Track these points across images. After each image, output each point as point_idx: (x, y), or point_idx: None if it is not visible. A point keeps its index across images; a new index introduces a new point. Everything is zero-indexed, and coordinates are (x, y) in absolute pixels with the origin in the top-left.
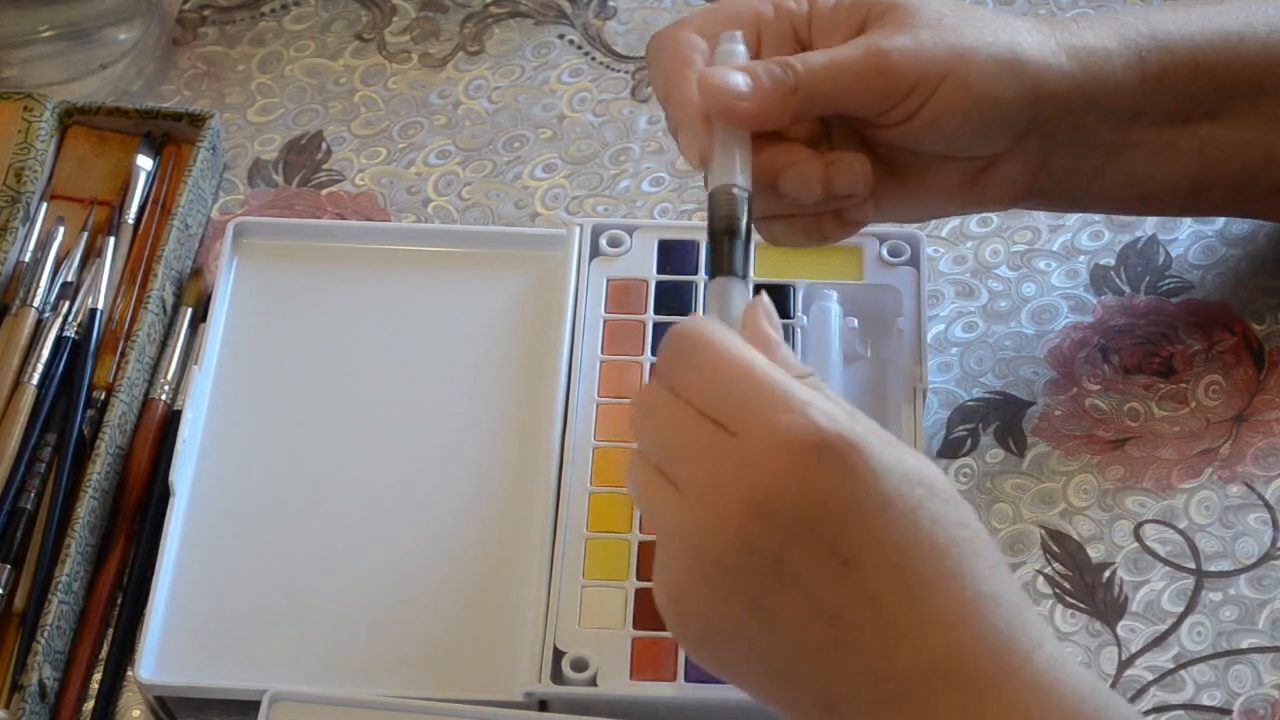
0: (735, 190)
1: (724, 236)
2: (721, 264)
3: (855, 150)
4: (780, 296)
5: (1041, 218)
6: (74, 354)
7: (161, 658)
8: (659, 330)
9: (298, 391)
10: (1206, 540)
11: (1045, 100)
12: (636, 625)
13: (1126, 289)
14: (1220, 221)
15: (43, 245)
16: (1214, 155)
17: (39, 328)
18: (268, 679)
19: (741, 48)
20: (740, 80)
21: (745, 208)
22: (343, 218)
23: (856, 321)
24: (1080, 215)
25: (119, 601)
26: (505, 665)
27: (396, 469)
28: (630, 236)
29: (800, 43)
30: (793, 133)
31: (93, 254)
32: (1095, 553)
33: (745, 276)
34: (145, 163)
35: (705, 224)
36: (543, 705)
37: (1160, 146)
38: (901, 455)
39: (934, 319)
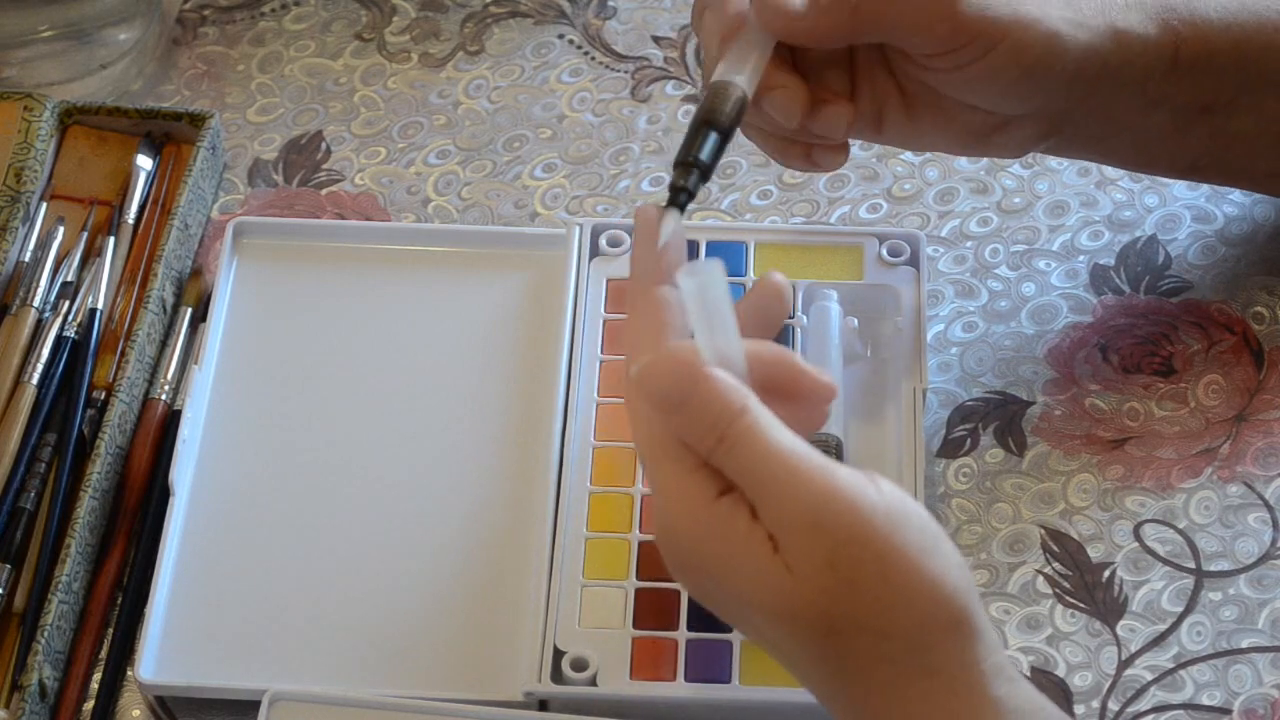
0: (734, 89)
1: (703, 126)
2: (690, 148)
3: (880, 74)
4: None
5: (1041, 217)
6: (74, 354)
7: (161, 658)
8: None
9: (298, 391)
10: (1206, 540)
11: (1079, 81)
12: (636, 625)
13: (1126, 289)
14: (1220, 221)
15: (42, 245)
16: (1223, 140)
17: (39, 327)
18: (268, 679)
19: None
20: None
21: (736, 108)
22: (343, 218)
23: (856, 321)
24: (1080, 215)
25: (119, 601)
26: (505, 665)
27: (396, 469)
28: (630, 236)
29: None
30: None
31: (93, 254)
32: (1095, 552)
33: (708, 170)
34: (145, 163)
35: (707, 223)
36: (543, 705)
37: (1174, 129)
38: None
39: (934, 319)
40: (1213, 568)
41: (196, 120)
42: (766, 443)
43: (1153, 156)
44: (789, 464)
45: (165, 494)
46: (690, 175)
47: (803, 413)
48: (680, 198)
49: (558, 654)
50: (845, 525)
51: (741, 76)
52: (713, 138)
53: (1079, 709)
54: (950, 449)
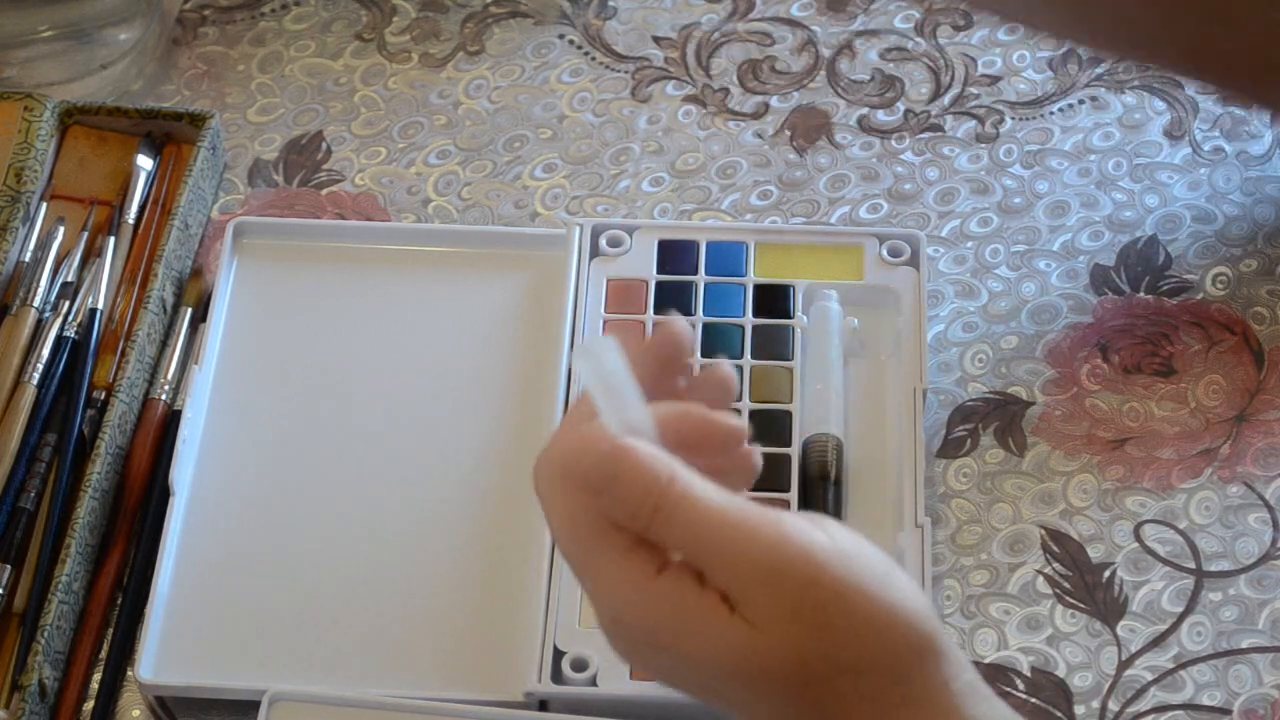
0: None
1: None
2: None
3: None
4: (780, 296)
5: (1041, 217)
6: (74, 354)
7: (161, 658)
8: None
9: (298, 391)
10: (1206, 540)
11: None
12: None
13: (1126, 289)
14: (1220, 221)
15: (43, 245)
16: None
17: (39, 327)
18: (268, 679)
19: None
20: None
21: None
22: (343, 218)
23: (856, 321)
24: (1080, 215)
25: (119, 601)
26: (505, 665)
27: (396, 469)
28: (630, 236)
29: None
30: None
31: (93, 254)
32: (1095, 553)
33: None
34: (145, 163)
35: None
36: (543, 705)
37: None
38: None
39: (934, 319)
40: (1213, 568)
41: (197, 120)
42: (704, 504)
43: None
44: (732, 521)
45: (165, 494)
46: None
47: (725, 462)
48: None
49: (558, 654)
50: (802, 571)
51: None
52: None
53: (1079, 709)
54: (950, 449)
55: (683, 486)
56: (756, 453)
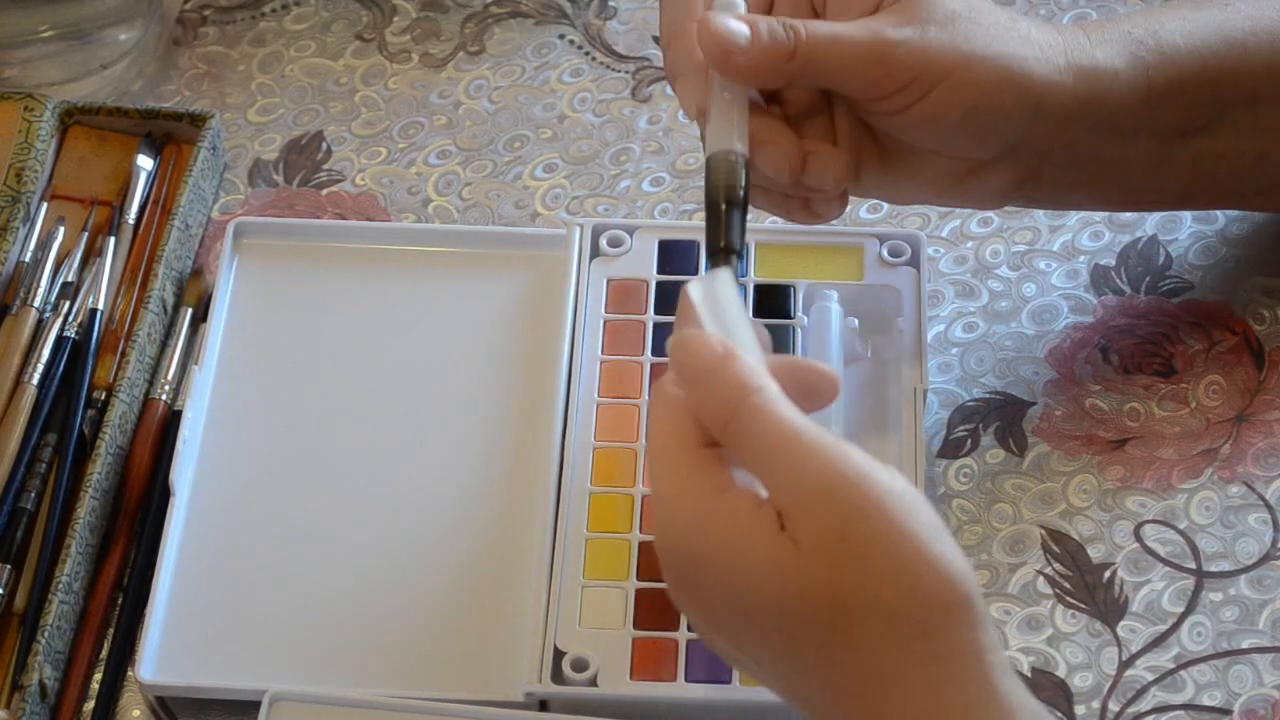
0: (734, 156)
1: (725, 206)
2: (719, 234)
3: (855, 126)
4: (780, 296)
5: (1041, 217)
6: (74, 354)
7: (161, 658)
8: (659, 330)
9: (298, 391)
10: (1207, 540)
11: (1044, 117)
12: (636, 625)
13: (1127, 289)
14: (1220, 221)
15: (43, 245)
16: (1207, 165)
17: (39, 328)
18: (268, 679)
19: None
20: (739, 30)
21: (744, 175)
22: (343, 218)
23: (856, 321)
24: (1081, 215)
25: (119, 601)
26: (505, 665)
27: (396, 469)
28: (630, 236)
29: (815, 8)
30: (791, 96)
31: (93, 254)
32: (1095, 553)
33: (741, 250)
34: (145, 163)
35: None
36: (543, 705)
37: (1156, 160)
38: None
39: (934, 319)
40: (1213, 568)
41: (197, 120)
42: (779, 418)
43: (1141, 190)
44: (801, 437)
45: (165, 494)
46: (731, 260)
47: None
48: None
49: (558, 654)
50: (857, 497)
51: (738, 141)
52: (737, 216)
53: (1079, 709)
54: (951, 449)
55: (765, 398)
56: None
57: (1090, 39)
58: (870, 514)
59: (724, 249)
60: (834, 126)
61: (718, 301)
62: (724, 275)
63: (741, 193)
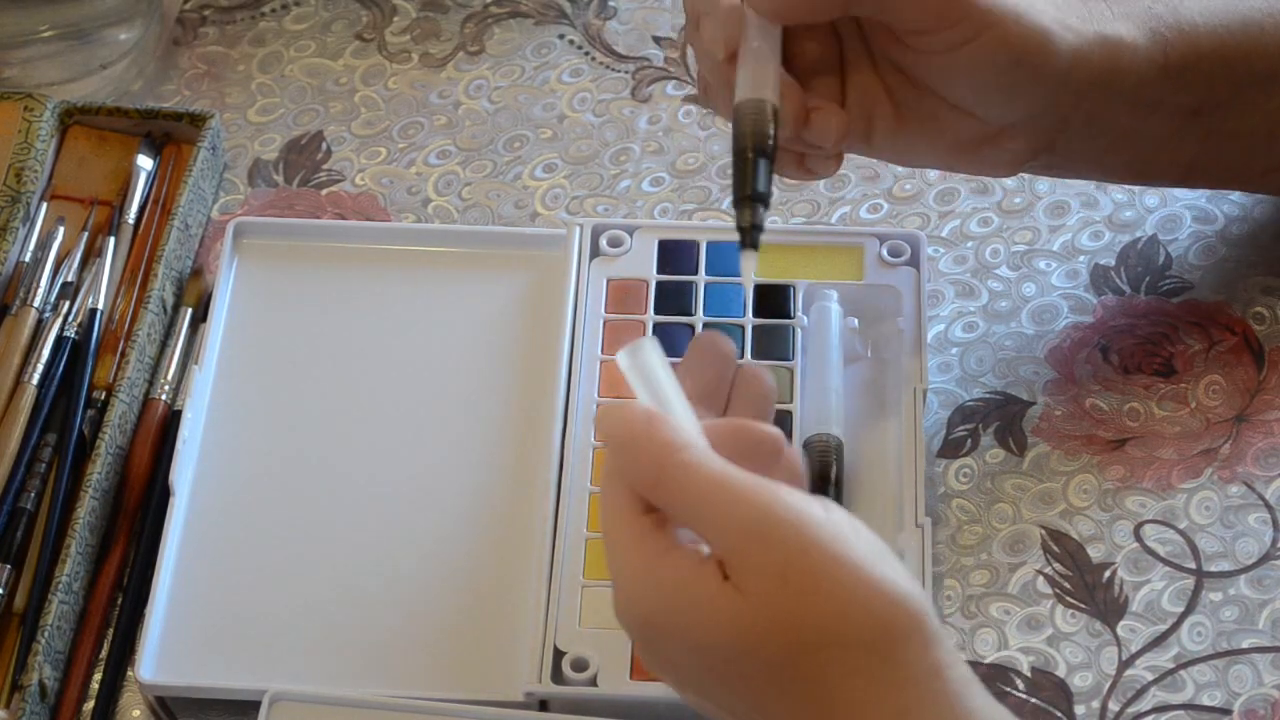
0: (764, 104)
1: (753, 154)
2: (746, 182)
3: (872, 84)
4: (780, 296)
5: (1042, 217)
6: (74, 354)
7: (161, 658)
8: (659, 330)
9: (298, 391)
10: (1206, 540)
11: (1069, 85)
12: None
13: (1127, 289)
14: (1220, 221)
15: (43, 245)
16: (1217, 142)
17: (39, 328)
18: (268, 679)
19: None
20: None
21: (774, 124)
22: (343, 218)
23: (856, 321)
24: (1081, 215)
25: (119, 601)
26: (505, 665)
27: (396, 469)
28: (630, 236)
29: None
30: (803, 50)
31: (93, 254)
32: (1095, 553)
33: (768, 197)
34: (145, 163)
35: (708, 223)
36: (543, 705)
37: (1169, 135)
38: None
39: (934, 319)
40: (1213, 568)
41: (197, 120)
42: (705, 469)
43: (1149, 164)
44: (728, 484)
45: (165, 494)
46: (758, 210)
47: (775, 472)
48: (754, 237)
49: (558, 654)
50: (793, 536)
51: (769, 90)
52: (764, 165)
53: (1079, 709)
54: (951, 449)
55: (691, 454)
56: (797, 455)
57: (1113, 11)
58: (809, 550)
59: (751, 196)
60: (843, 88)
61: (644, 368)
62: (649, 343)
63: (771, 141)
